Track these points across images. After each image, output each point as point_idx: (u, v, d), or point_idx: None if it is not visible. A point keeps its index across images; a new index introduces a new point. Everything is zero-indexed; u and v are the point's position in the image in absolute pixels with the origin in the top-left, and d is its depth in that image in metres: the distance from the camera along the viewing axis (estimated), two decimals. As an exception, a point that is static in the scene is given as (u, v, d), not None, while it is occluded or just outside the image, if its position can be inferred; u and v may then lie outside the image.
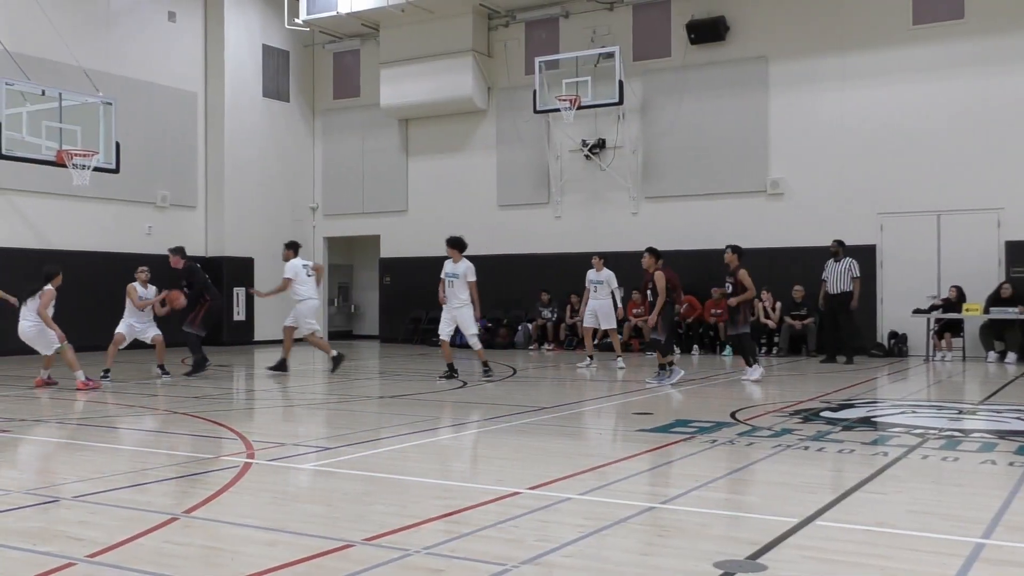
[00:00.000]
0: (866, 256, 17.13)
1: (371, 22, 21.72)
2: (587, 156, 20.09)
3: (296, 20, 21.76)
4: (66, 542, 4.52)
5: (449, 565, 4.10)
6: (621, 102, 18.85)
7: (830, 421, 8.58)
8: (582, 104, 18.84)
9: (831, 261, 16.04)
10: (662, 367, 12.17)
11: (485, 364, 13.17)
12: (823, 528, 4.73)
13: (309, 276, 13.59)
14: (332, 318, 24.27)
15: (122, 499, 5.57)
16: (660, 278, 11.95)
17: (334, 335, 23.89)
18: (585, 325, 15.05)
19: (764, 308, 17.57)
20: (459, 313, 12.67)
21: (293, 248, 13.82)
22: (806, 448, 7.12)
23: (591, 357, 14.97)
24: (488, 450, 7.53)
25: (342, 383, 12.86)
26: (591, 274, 14.84)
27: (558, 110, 19.06)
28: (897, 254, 17.40)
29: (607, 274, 14.74)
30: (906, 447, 7.08)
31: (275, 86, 22.54)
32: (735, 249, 12.67)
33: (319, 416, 10.10)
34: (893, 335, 17.27)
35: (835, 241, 16.21)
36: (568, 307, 19.29)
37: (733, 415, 8.96)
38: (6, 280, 16.19)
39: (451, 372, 12.72)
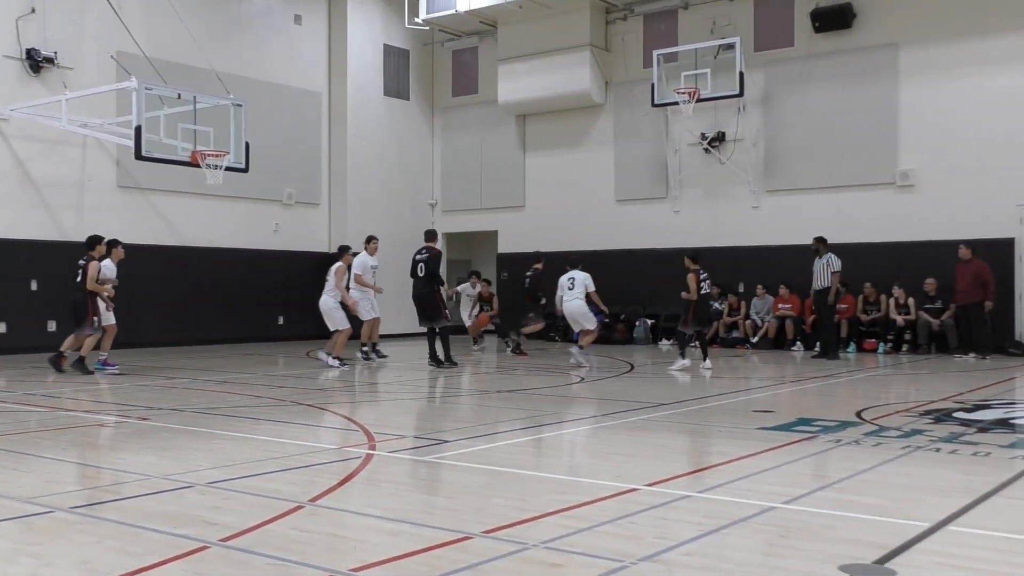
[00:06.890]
0: (1003, 251, 16.32)
1: (489, 19, 21.88)
2: (706, 149, 19.76)
3: (416, 19, 22.09)
4: (201, 526, 4.72)
5: (567, 560, 4.11)
6: (742, 94, 18.44)
7: (964, 423, 8.21)
8: (701, 97, 18.50)
9: (816, 259, 15.94)
10: None
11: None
12: (958, 534, 4.54)
13: None
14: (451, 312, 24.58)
15: (251, 486, 5.79)
16: None
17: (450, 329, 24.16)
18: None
19: (895, 302, 17.00)
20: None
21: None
22: (937, 450, 6.84)
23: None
24: (605, 446, 7.50)
25: (460, 377, 13.02)
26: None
27: (677, 103, 18.79)
28: (1038, 248, 16.49)
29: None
30: (1048, 451, 6.73)
31: (396, 85, 22.98)
32: None
33: (437, 409, 10.26)
34: (1033, 333, 16.40)
35: (815, 239, 16.10)
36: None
37: (859, 415, 8.67)
38: (139, 276, 17.04)
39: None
